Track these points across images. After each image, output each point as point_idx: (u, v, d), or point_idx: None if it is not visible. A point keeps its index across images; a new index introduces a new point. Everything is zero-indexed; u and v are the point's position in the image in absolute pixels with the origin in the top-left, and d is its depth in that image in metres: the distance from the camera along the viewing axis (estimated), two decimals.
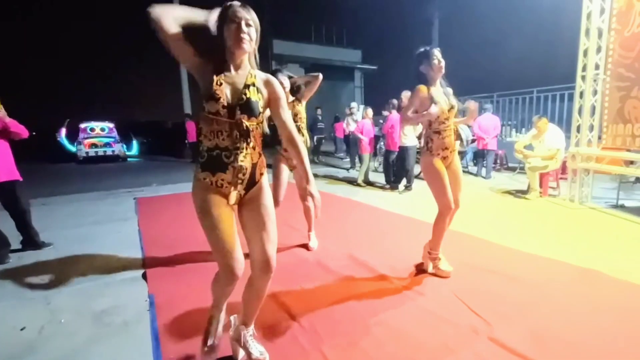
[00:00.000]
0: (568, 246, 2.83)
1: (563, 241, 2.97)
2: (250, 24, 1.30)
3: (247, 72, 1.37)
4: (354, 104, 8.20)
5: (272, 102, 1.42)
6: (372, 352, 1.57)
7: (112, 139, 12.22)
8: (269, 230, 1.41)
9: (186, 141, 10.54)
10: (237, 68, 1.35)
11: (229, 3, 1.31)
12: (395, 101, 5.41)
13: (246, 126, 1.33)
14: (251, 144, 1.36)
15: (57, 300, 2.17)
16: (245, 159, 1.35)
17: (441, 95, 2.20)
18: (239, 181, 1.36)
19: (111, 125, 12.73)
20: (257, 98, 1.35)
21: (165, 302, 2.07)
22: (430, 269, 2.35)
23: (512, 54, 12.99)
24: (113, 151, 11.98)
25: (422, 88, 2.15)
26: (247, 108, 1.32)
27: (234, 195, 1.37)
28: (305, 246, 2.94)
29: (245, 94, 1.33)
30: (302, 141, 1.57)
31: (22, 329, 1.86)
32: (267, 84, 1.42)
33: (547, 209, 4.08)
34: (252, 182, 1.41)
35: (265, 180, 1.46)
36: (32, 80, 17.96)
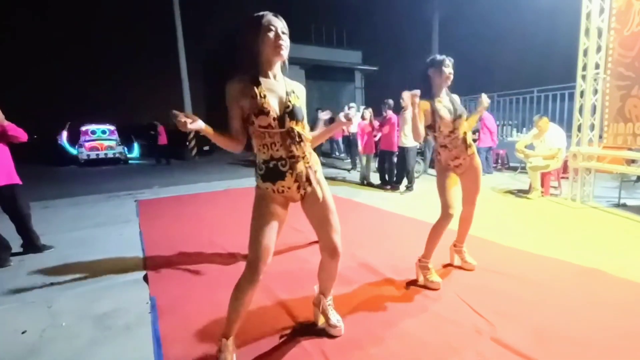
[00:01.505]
0: (570, 245, 2.82)
1: (565, 240, 2.96)
2: (285, 32, 1.38)
3: (282, 79, 1.46)
4: (352, 105, 8.19)
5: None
6: (374, 352, 1.56)
7: (113, 142, 12.25)
8: (332, 222, 1.56)
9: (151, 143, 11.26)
10: (274, 76, 1.43)
11: (260, 13, 1.37)
12: (391, 101, 5.41)
13: (298, 133, 1.41)
14: (305, 148, 1.45)
15: (58, 303, 2.17)
16: (300, 163, 1.44)
17: (447, 104, 2.15)
18: (298, 183, 1.45)
19: (112, 127, 12.76)
20: (299, 104, 1.45)
21: (166, 304, 2.07)
22: (420, 280, 2.23)
23: (512, 54, 13.02)
24: (114, 153, 12.01)
25: (423, 104, 2.11)
26: (295, 115, 1.41)
27: (297, 195, 1.48)
28: (314, 243, 2.91)
29: (290, 101, 1.41)
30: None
31: (23, 333, 1.85)
32: (299, 88, 1.52)
33: (548, 209, 4.07)
34: (309, 180, 1.48)
35: (321, 174, 1.55)
36: (33, 84, 18.03)
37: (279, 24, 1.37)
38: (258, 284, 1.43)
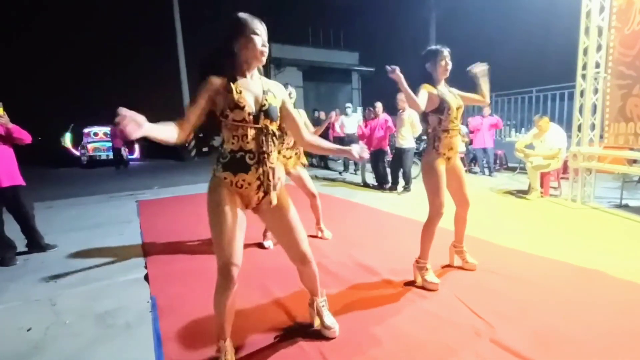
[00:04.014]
0: (570, 246, 2.81)
1: (565, 241, 2.95)
2: (266, 38, 1.41)
3: (258, 79, 1.47)
4: (349, 106, 8.25)
5: (283, 105, 1.52)
6: (372, 353, 1.57)
7: None
8: (298, 230, 1.53)
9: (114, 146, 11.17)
10: (251, 76, 1.44)
11: (244, 16, 1.39)
12: (379, 104, 5.44)
13: (272, 131, 1.41)
14: (277, 147, 1.45)
15: (62, 301, 2.20)
16: (270, 161, 1.41)
17: (448, 93, 2.18)
18: (260, 182, 1.41)
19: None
20: (275, 103, 1.45)
21: (166, 303, 2.09)
22: (418, 281, 2.21)
23: (510, 53, 12.94)
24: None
25: (426, 86, 2.12)
26: (269, 114, 1.41)
27: (254, 196, 1.44)
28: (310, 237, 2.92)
29: (266, 100, 1.41)
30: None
31: (28, 330, 1.89)
32: (277, 88, 1.52)
33: (548, 209, 4.06)
34: (270, 183, 1.45)
35: (283, 182, 1.55)
36: (37, 87, 18.13)
37: (264, 31, 1.40)
38: (235, 287, 1.40)
